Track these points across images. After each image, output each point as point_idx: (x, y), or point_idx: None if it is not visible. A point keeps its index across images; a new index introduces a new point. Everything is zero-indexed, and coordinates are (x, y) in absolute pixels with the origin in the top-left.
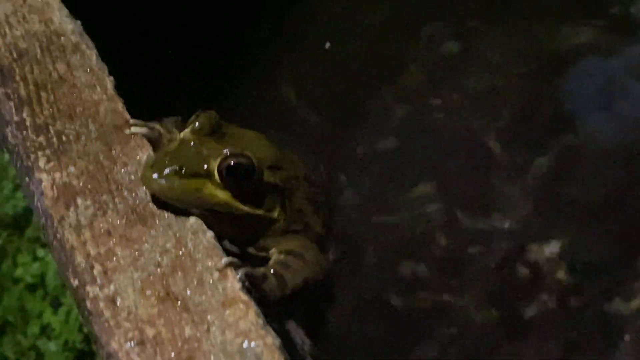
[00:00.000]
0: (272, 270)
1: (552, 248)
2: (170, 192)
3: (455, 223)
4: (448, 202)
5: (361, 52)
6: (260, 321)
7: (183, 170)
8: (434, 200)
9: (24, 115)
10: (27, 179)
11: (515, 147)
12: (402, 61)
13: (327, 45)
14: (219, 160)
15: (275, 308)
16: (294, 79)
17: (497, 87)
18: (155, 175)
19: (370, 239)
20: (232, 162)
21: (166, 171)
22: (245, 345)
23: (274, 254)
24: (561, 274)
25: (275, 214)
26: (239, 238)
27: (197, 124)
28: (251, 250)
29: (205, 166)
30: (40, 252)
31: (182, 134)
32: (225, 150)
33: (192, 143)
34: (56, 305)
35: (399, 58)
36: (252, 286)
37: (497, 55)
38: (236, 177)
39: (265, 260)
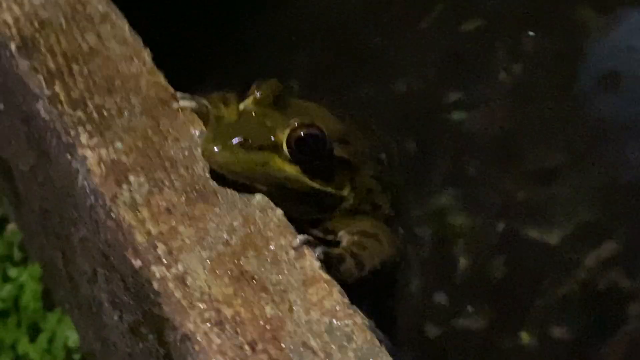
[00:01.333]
0: (349, 251)
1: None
2: (235, 166)
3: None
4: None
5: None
6: (346, 300)
7: (248, 143)
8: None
9: (57, 89)
10: (68, 156)
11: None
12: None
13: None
14: (287, 131)
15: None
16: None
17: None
18: (218, 149)
19: None
20: (302, 133)
21: (230, 144)
22: (334, 324)
23: (345, 235)
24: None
25: (346, 191)
26: (304, 218)
27: (259, 93)
28: (316, 232)
29: (272, 138)
30: (13, 272)
31: (242, 105)
32: (293, 121)
33: (254, 114)
34: (34, 332)
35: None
36: (328, 267)
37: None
38: (307, 149)
39: (332, 244)
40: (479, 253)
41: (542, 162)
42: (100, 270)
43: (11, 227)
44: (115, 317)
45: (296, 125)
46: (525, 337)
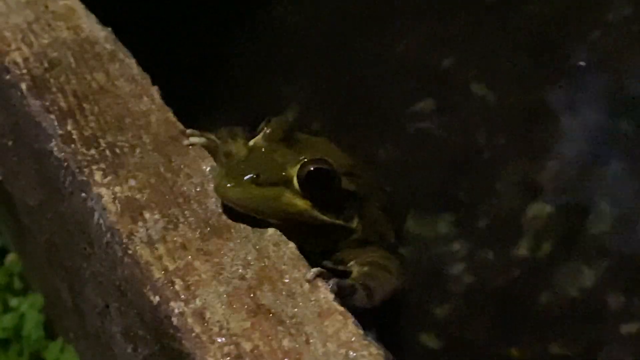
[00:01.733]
0: (360, 282)
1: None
2: (248, 202)
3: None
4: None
5: None
6: (361, 331)
7: (260, 179)
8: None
9: (69, 127)
10: (82, 194)
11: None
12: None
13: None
14: (298, 166)
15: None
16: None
17: None
18: (230, 185)
19: None
20: (312, 168)
21: (242, 180)
22: (350, 355)
23: (355, 266)
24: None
25: (354, 223)
26: (315, 250)
27: (268, 130)
28: (327, 263)
29: (283, 173)
30: (14, 301)
31: (252, 141)
32: (303, 157)
33: (264, 150)
34: None
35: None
36: (340, 297)
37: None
38: (316, 184)
39: (342, 274)
40: (473, 269)
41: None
42: (114, 305)
43: (11, 257)
44: (129, 350)
45: (306, 161)
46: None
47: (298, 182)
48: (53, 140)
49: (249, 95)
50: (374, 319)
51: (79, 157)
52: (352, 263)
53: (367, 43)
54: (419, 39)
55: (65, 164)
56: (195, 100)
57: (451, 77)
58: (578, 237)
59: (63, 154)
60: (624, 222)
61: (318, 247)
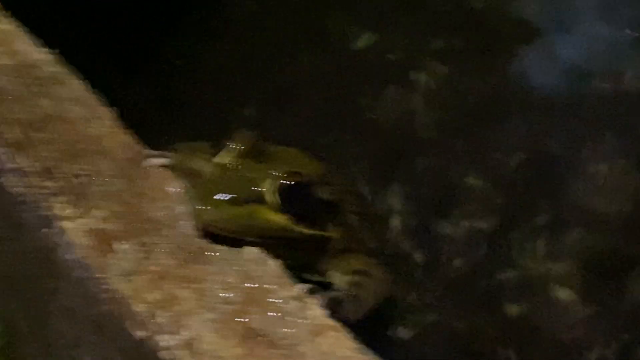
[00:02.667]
0: (347, 293)
1: None
2: (224, 223)
3: None
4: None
5: None
6: (357, 345)
7: (234, 198)
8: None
9: (19, 160)
10: (44, 230)
11: None
12: None
13: None
14: (271, 181)
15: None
16: None
17: None
18: (205, 206)
19: None
20: (285, 182)
21: (216, 201)
22: None
23: (338, 277)
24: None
25: (333, 232)
26: (295, 264)
27: (236, 146)
28: (309, 276)
29: (257, 190)
30: None
31: (218, 159)
32: (275, 171)
33: (233, 167)
34: None
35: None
36: (329, 311)
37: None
38: (292, 197)
39: (327, 287)
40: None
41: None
42: (89, 338)
43: None
44: None
45: (279, 175)
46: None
47: (273, 197)
48: (4, 175)
49: (199, 107)
50: None
51: (35, 191)
52: (334, 273)
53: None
54: None
55: (22, 199)
56: (145, 118)
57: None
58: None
59: (16, 189)
60: (572, 189)
61: (299, 260)
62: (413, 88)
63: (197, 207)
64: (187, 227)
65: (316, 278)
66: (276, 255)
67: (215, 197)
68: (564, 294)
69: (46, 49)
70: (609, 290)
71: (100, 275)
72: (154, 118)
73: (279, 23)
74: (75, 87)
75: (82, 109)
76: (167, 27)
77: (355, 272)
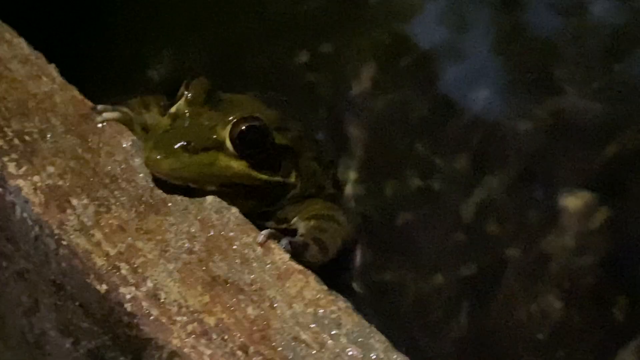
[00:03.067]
0: (310, 237)
1: None
2: (182, 172)
3: None
4: None
5: None
6: (325, 287)
7: (191, 146)
8: None
9: None
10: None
11: None
12: None
13: None
14: (229, 127)
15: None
16: None
17: None
18: (161, 156)
19: None
20: (243, 127)
21: (173, 150)
22: (319, 313)
23: (300, 222)
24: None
25: (293, 178)
26: (256, 212)
27: (189, 94)
28: (270, 224)
29: (214, 136)
30: None
31: (174, 108)
32: (233, 117)
33: (188, 115)
34: None
35: None
36: (294, 256)
37: None
38: (250, 142)
39: (288, 232)
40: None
41: None
42: (46, 301)
43: None
44: (67, 345)
45: (236, 120)
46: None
47: (231, 143)
48: None
49: (138, 63)
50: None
51: None
52: (295, 219)
53: None
54: None
55: None
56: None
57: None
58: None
59: None
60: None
61: (259, 208)
62: None
63: (154, 157)
64: (144, 179)
65: (278, 225)
66: (236, 203)
67: (172, 146)
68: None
69: None
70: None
71: (58, 232)
72: (96, 74)
73: None
74: (19, 45)
75: (29, 67)
76: None
77: (315, 217)
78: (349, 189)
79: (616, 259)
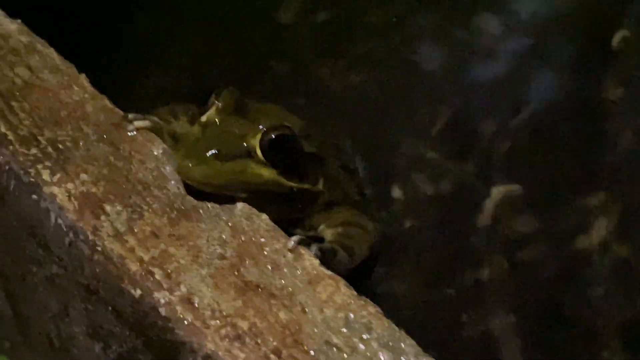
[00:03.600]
0: (339, 243)
1: None
2: (214, 179)
3: None
4: None
5: None
6: (354, 292)
7: (222, 154)
8: None
9: (2, 129)
10: (33, 196)
11: None
12: None
13: None
14: (259, 136)
15: None
16: None
17: None
18: (193, 164)
19: None
20: (274, 135)
21: (204, 157)
22: (350, 317)
23: (327, 229)
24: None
25: (320, 185)
26: (284, 219)
27: (220, 102)
28: (298, 230)
29: (245, 145)
30: None
31: (204, 116)
32: (261, 126)
33: (219, 124)
34: None
35: None
36: (323, 262)
37: None
38: (280, 151)
39: (316, 239)
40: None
41: None
42: (77, 306)
43: None
44: (97, 349)
45: (267, 129)
46: None
47: (261, 151)
48: None
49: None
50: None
51: (21, 158)
52: (323, 226)
53: None
54: None
55: (7, 167)
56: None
57: None
58: None
59: (2, 157)
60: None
61: (287, 215)
62: None
63: (186, 165)
64: (176, 186)
65: (305, 232)
66: (265, 210)
67: (204, 154)
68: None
69: (14, 20)
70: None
71: (93, 238)
72: (127, 82)
73: None
74: (50, 55)
75: (60, 77)
76: None
77: (342, 224)
78: None
79: None
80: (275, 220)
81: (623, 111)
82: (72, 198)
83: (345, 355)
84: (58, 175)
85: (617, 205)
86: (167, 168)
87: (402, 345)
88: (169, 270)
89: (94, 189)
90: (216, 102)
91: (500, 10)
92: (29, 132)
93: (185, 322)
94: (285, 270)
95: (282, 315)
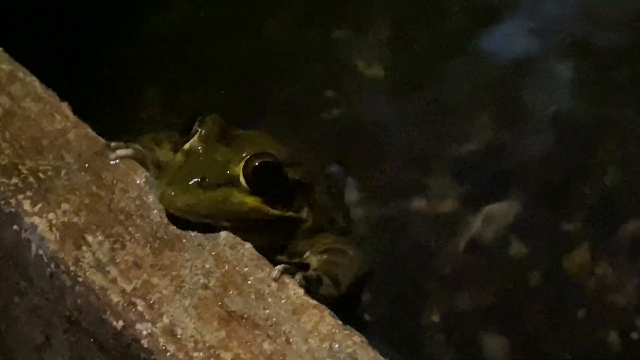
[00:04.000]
0: (323, 270)
1: None
2: (197, 208)
3: None
4: None
5: None
6: (339, 322)
7: (205, 182)
8: None
9: None
10: (14, 227)
11: None
12: None
13: None
14: (242, 163)
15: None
16: None
17: None
18: (176, 193)
19: None
20: (257, 163)
21: (187, 186)
22: (335, 347)
23: (312, 256)
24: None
25: (305, 213)
26: (268, 246)
27: (203, 131)
28: (282, 258)
29: (228, 173)
30: None
31: (187, 144)
32: (246, 153)
33: (202, 152)
34: None
35: None
36: (308, 291)
37: None
38: (264, 178)
39: (301, 266)
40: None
41: None
42: (59, 337)
43: None
44: None
45: (250, 156)
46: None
47: (245, 179)
48: None
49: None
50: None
51: (2, 188)
52: (308, 253)
53: None
54: None
55: None
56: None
57: None
58: None
59: None
60: None
61: (272, 243)
62: None
63: (169, 193)
64: (159, 215)
65: (290, 259)
66: (249, 238)
67: (186, 182)
68: None
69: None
70: None
71: (74, 269)
72: (108, 110)
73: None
74: (32, 83)
75: (42, 105)
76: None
77: (327, 251)
78: None
79: None
80: (259, 247)
81: None
82: (54, 228)
83: None
84: (39, 205)
85: None
86: (150, 197)
87: None
88: (152, 301)
89: (75, 219)
90: (199, 129)
91: None
92: (9, 161)
93: (168, 354)
94: (269, 299)
95: (266, 346)
